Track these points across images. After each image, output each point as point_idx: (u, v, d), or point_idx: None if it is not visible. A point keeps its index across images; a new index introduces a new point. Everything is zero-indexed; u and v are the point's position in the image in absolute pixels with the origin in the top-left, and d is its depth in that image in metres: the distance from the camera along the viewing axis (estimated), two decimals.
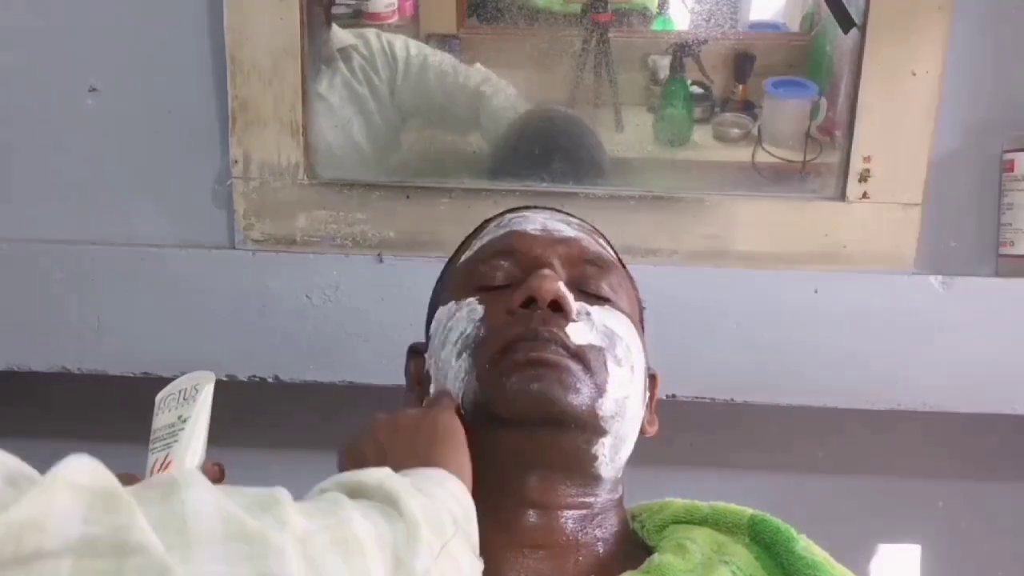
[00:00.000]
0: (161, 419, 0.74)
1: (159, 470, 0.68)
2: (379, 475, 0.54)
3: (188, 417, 0.72)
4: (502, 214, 0.82)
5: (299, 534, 0.43)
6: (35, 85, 1.12)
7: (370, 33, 1.12)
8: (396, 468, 0.57)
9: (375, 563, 0.46)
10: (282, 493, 0.46)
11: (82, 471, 0.38)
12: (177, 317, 1.09)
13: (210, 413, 0.72)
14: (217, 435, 1.02)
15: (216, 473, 0.69)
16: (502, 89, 1.12)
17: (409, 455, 0.62)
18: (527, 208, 0.82)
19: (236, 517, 0.41)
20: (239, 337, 1.09)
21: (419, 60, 1.11)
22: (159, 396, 0.76)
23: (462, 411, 0.69)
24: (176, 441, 0.70)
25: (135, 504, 0.38)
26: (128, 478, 0.64)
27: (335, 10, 1.11)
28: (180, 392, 0.75)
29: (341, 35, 1.12)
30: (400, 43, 1.11)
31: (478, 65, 1.11)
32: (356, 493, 0.52)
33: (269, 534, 0.41)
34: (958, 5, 1.05)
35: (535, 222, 0.77)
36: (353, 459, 0.65)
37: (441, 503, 0.55)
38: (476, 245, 0.79)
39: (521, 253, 0.74)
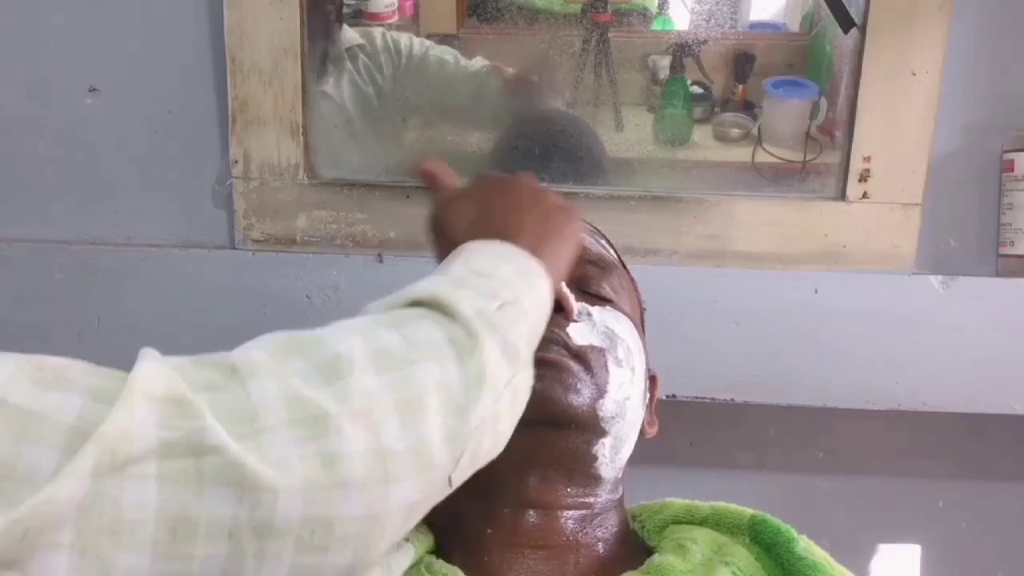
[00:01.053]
0: None
1: None
2: (469, 307, 0.53)
3: None
4: None
5: (359, 405, 0.47)
6: (35, 85, 1.12)
7: (376, 32, 1.12)
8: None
9: (432, 423, 0.49)
10: (346, 347, 0.49)
11: (154, 380, 0.45)
12: (177, 317, 1.09)
13: None
14: None
15: None
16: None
17: (518, 233, 0.62)
18: None
19: (299, 399, 0.46)
20: (239, 337, 1.08)
21: (421, 51, 1.12)
22: None
23: None
24: None
25: (204, 405, 0.43)
26: None
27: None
28: None
29: (349, 34, 1.12)
30: (405, 38, 1.12)
31: (478, 57, 1.12)
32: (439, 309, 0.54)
33: (331, 412, 0.46)
34: (958, 5, 1.05)
35: None
36: (447, 226, 0.65)
37: (520, 329, 0.56)
38: None
39: None
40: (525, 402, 0.58)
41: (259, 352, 0.49)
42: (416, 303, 0.55)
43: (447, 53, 1.12)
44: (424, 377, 0.50)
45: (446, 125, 1.15)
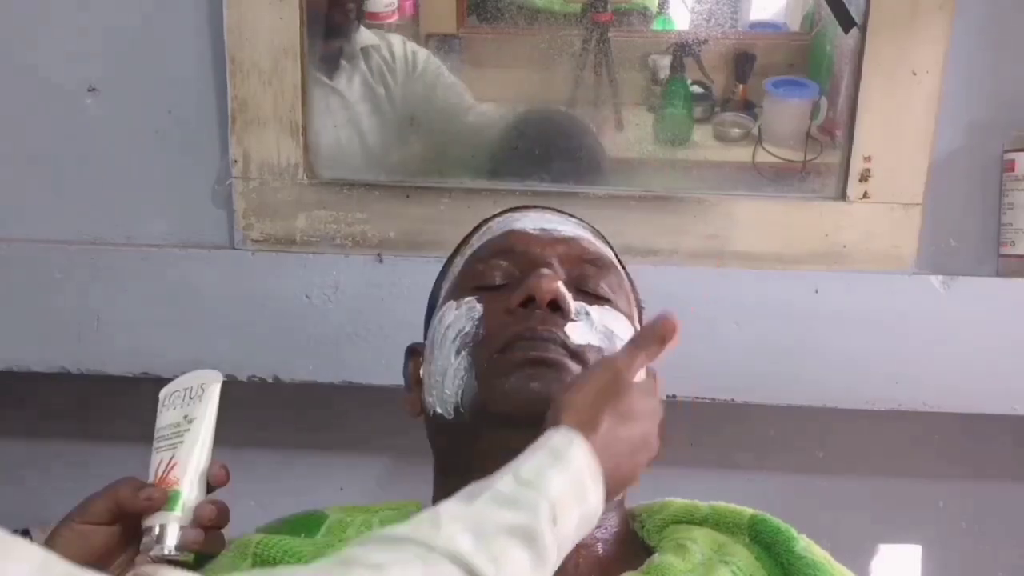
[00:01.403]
0: (166, 417, 0.73)
1: (164, 472, 0.68)
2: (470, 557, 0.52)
3: (195, 417, 0.71)
4: (501, 213, 0.83)
5: None
6: (35, 85, 1.12)
7: (395, 39, 1.12)
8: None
9: None
10: None
11: None
12: (177, 317, 1.08)
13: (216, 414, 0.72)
14: (217, 435, 1.01)
15: (222, 476, 0.69)
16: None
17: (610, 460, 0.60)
18: (526, 208, 0.82)
19: None
20: (239, 337, 1.09)
21: (434, 76, 1.12)
22: (164, 392, 0.76)
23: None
24: (181, 442, 0.70)
25: None
26: (133, 484, 0.65)
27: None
28: (186, 391, 0.74)
29: (367, 35, 1.12)
30: (423, 54, 1.12)
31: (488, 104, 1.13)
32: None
33: None
34: (958, 5, 1.05)
35: (534, 221, 0.77)
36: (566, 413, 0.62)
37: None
38: (475, 244, 0.79)
39: (520, 252, 0.74)
40: None
41: None
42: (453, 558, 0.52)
43: (456, 88, 1.12)
44: None
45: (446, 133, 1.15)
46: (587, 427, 0.60)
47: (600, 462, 0.58)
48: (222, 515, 0.67)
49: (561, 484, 0.56)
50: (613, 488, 0.60)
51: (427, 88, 1.13)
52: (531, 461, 0.57)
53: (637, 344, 0.66)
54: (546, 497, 0.55)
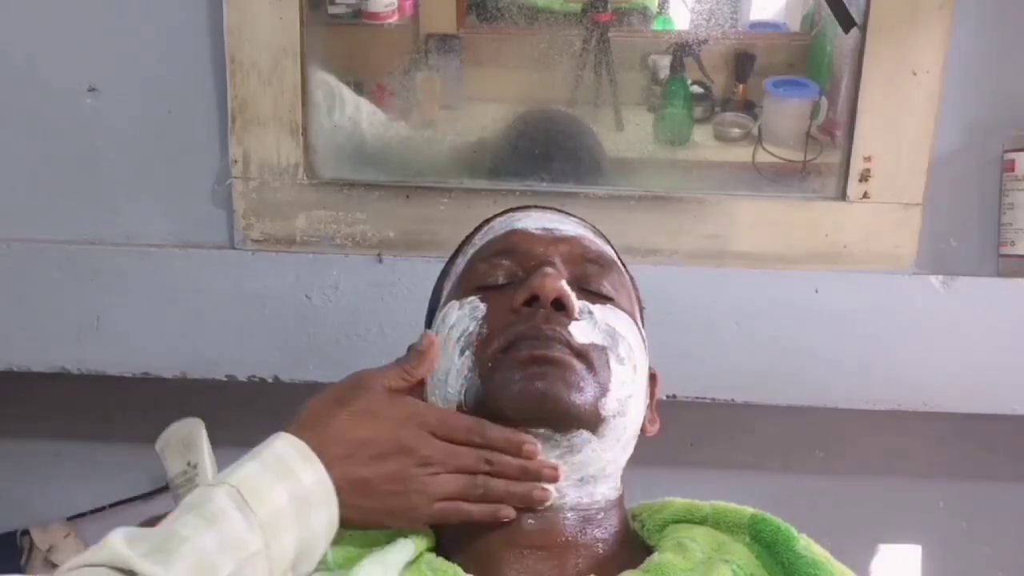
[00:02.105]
0: (173, 466, 0.89)
1: None
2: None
3: (196, 461, 0.87)
4: (503, 213, 0.82)
5: None
6: (35, 85, 1.12)
7: None
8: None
9: None
10: None
11: None
12: (177, 317, 1.09)
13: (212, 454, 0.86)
14: (217, 435, 1.02)
15: None
16: None
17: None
18: (528, 207, 0.82)
19: None
20: (239, 337, 1.09)
21: None
22: (158, 446, 0.92)
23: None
24: (196, 485, 0.82)
25: None
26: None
27: (333, 10, 1.11)
28: (179, 440, 0.90)
29: None
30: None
31: None
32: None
33: None
34: (958, 5, 1.05)
35: (536, 221, 0.77)
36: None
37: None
38: (477, 244, 0.79)
39: (523, 252, 0.74)
40: None
41: None
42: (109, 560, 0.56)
43: None
44: None
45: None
46: (301, 422, 0.65)
47: (320, 447, 0.63)
48: None
49: (251, 468, 0.61)
50: (356, 482, 0.64)
51: None
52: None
53: (398, 359, 0.71)
54: (227, 482, 0.59)
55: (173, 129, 1.12)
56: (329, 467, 0.63)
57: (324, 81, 1.11)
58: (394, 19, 1.12)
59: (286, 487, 0.60)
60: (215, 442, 0.97)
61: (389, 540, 0.67)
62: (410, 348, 0.72)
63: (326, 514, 0.62)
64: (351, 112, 1.12)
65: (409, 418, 0.67)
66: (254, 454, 0.62)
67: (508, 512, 0.67)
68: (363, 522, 0.66)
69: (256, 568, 0.58)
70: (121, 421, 1.19)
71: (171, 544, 0.56)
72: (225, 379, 1.09)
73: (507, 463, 0.67)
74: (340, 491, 0.63)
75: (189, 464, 0.87)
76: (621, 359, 0.70)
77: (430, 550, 0.69)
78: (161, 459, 0.92)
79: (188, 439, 0.89)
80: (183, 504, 0.60)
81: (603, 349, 0.69)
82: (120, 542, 0.56)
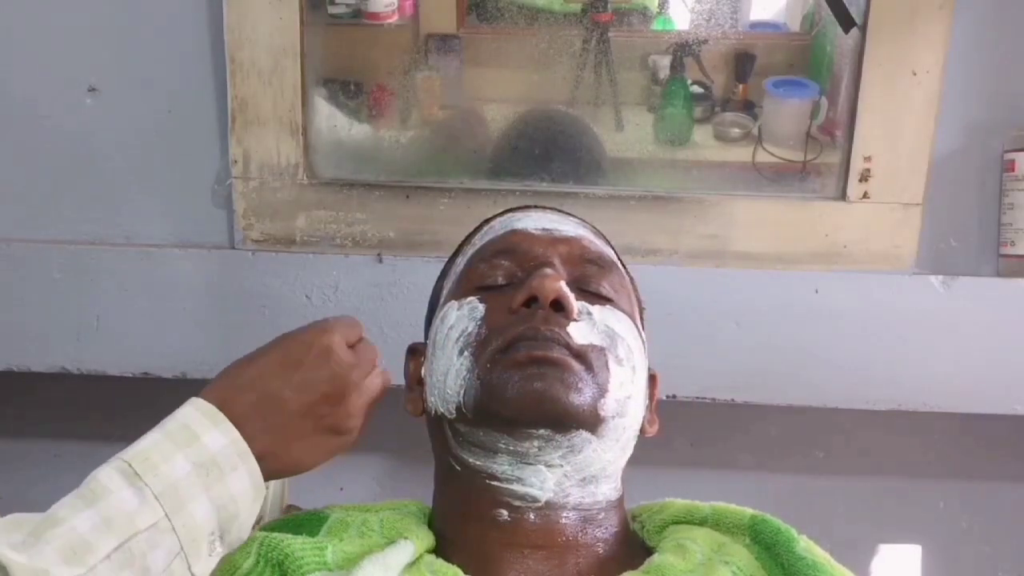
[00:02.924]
0: None
1: None
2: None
3: None
4: (502, 213, 0.83)
5: None
6: (35, 85, 1.12)
7: None
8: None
9: None
10: None
11: None
12: (177, 317, 1.08)
13: None
14: None
15: None
16: None
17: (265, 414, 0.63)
18: (527, 207, 0.82)
19: None
20: (239, 337, 1.08)
21: None
22: None
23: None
24: None
25: None
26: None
27: (333, 10, 1.11)
28: None
29: None
30: None
31: None
32: None
33: None
34: (958, 5, 1.05)
35: (536, 221, 0.77)
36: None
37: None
38: (476, 244, 0.79)
39: (522, 252, 0.74)
40: None
41: None
42: None
43: None
44: None
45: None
46: (213, 385, 0.64)
47: (229, 402, 0.62)
48: None
49: (150, 439, 0.60)
50: (276, 427, 0.63)
51: None
52: None
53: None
54: (120, 457, 0.58)
55: (173, 129, 1.12)
56: (242, 423, 0.61)
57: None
58: (394, 19, 1.12)
59: (187, 455, 0.59)
60: None
61: (389, 542, 0.67)
62: None
63: (245, 477, 0.61)
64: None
65: (326, 348, 0.66)
66: (160, 424, 0.61)
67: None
68: (291, 467, 0.65)
69: (157, 542, 0.57)
70: (121, 421, 1.19)
71: (42, 528, 0.55)
72: None
73: None
74: (259, 445, 0.61)
75: None
76: (620, 360, 0.70)
77: (430, 551, 0.69)
78: None
79: None
80: (72, 492, 0.58)
81: (602, 350, 0.69)
82: None
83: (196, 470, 0.59)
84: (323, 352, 0.65)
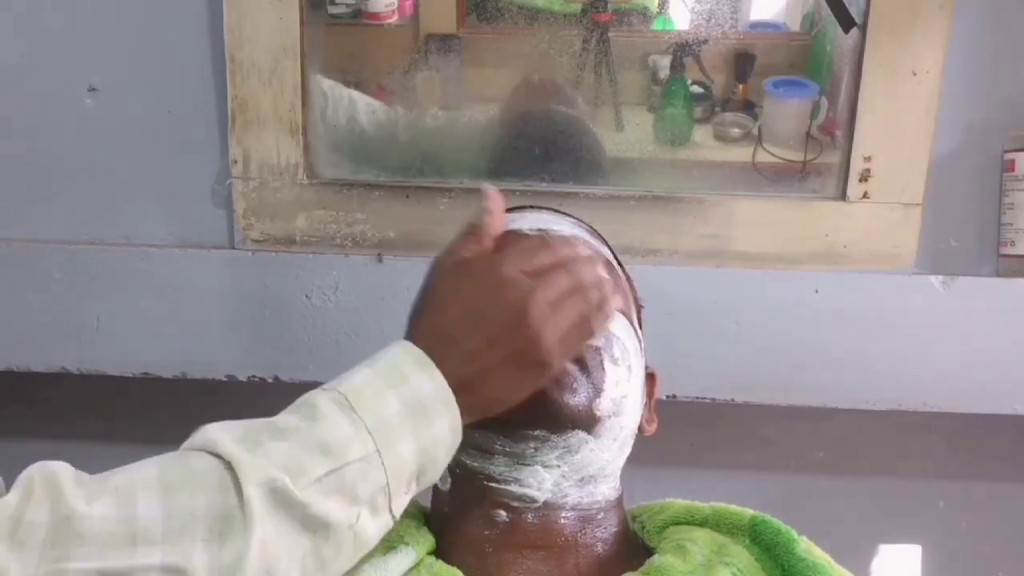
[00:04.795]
0: None
1: None
2: (259, 481, 0.54)
3: None
4: None
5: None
6: (35, 85, 1.12)
7: None
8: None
9: None
10: (100, 511, 0.56)
11: None
12: (176, 317, 1.09)
13: None
14: None
15: None
16: None
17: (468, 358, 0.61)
18: (523, 208, 0.82)
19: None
20: (239, 337, 1.09)
21: None
22: None
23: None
24: None
25: None
26: None
27: (333, 10, 1.11)
28: None
29: None
30: None
31: None
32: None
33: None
34: (958, 5, 1.05)
35: (531, 222, 0.77)
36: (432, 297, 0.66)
37: (361, 490, 0.57)
38: None
39: None
40: (367, 548, 0.60)
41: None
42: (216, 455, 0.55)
43: None
44: (163, 562, 0.52)
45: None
46: (414, 331, 0.64)
47: (432, 350, 0.61)
48: None
49: (362, 375, 0.60)
50: (477, 375, 0.61)
51: None
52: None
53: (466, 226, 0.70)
54: (335, 388, 0.59)
55: (173, 129, 1.12)
56: (449, 371, 0.60)
57: (323, 80, 1.11)
58: (394, 19, 1.12)
59: (397, 394, 0.59)
60: None
61: (389, 546, 0.67)
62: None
63: (446, 424, 0.60)
64: (348, 109, 1.12)
65: (499, 280, 0.64)
66: (368, 363, 0.61)
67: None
68: (492, 404, 0.63)
69: (367, 475, 0.57)
70: (121, 421, 1.19)
71: (263, 436, 0.56)
72: (225, 379, 1.09)
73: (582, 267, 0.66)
74: (460, 394, 0.60)
75: None
76: (615, 360, 0.70)
77: (430, 554, 0.69)
78: None
79: None
80: (287, 408, 0.59)
81: (597, 350, 0.69)
82: (214, 427, 0.57)
83: (405, 410, 0.59)
84: (496, 284, 0.63)
